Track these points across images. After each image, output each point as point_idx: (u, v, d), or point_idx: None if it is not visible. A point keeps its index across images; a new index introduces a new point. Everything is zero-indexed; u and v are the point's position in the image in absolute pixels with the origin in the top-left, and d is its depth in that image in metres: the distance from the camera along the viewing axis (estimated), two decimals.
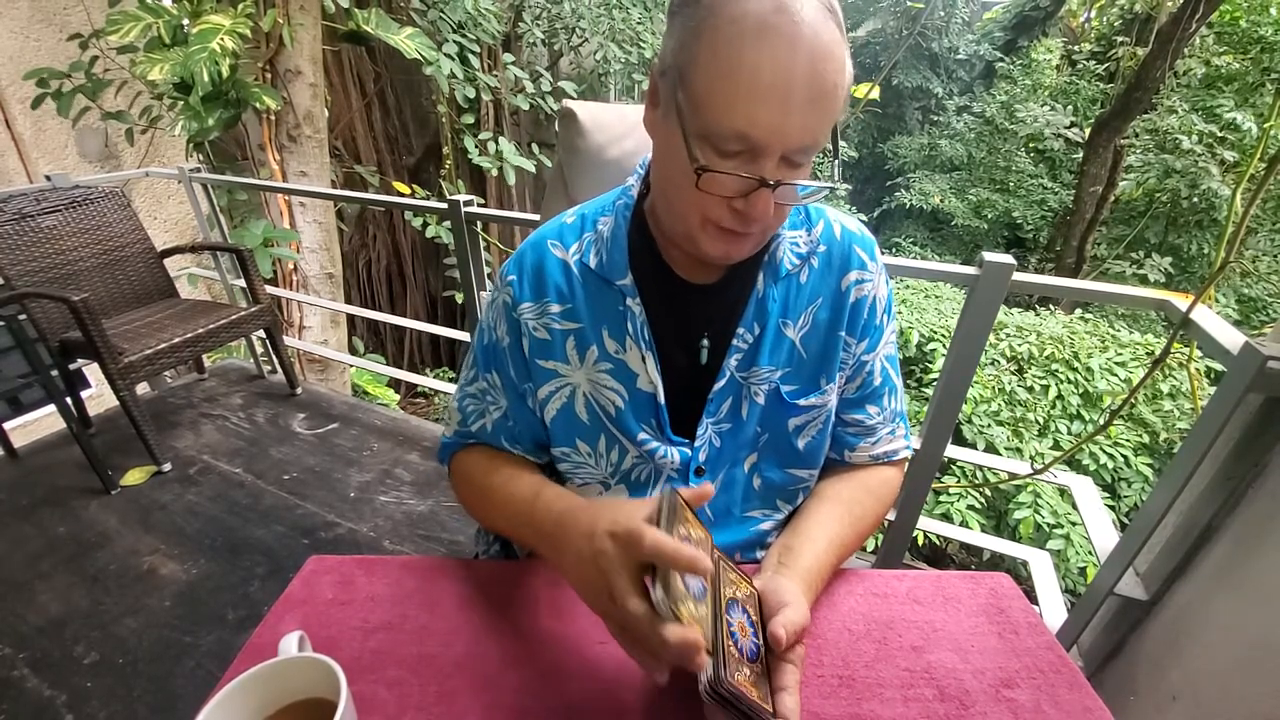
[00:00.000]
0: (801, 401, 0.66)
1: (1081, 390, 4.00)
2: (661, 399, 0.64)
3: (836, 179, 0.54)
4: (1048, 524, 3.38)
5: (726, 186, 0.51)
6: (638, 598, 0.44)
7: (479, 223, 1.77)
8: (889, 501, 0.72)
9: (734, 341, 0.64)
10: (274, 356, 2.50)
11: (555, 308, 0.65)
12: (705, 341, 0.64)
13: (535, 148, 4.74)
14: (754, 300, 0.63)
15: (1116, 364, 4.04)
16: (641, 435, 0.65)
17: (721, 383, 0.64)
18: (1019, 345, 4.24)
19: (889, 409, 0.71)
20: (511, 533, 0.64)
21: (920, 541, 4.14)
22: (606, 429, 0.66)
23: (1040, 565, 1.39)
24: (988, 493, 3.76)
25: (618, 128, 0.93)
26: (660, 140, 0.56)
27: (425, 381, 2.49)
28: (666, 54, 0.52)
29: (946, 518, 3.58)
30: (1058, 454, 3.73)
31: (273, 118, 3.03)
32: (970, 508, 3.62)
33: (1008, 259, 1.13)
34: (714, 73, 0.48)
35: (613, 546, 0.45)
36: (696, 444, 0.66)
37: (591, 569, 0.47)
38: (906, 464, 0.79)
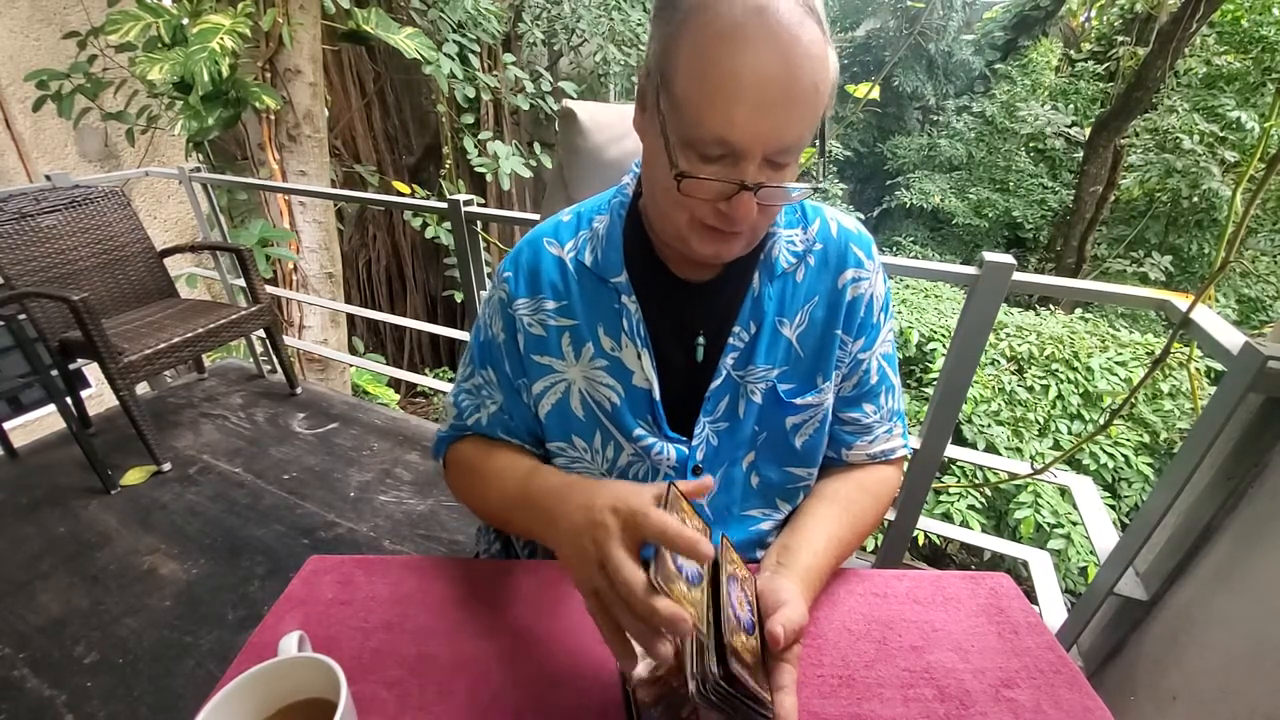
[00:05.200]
0: (798, 400, 0.66)
1: (1081, 390, 4.00)
2: (657, 395, 0.64)
3: (822, 178, 0.54)
4: (1048, 524, 3.38)
5: (708, 190, 0.51)
6: (634, 564, 0.43)
7: (479, 222, 1.77)
8: (887, 500, 0.72)
9: (730, 340, 0.64)
10: (274, 356, 2.50)
11: (550, 304, 0.65)
12: (701, 339, 0.64)
13: (536, 147, 4.74)
14: (750, 299, 0.64)
15: (1116, 364, 4.04)
16: (638, 431, 0.65)
17: (718, 381, 0.64)
18: (1019, 345, 4.24)
19: (886, 408, 0.71)
20: (504, 514, 0.63)
21: (920, 541, 4.14)
22: (602, 425, 0.66)
23: (1040, 565, 1.39)
24: (988, 493, 3.76)
25: (618, 128, 0.93)
26: (648, 142, 0.57)
27: (425, 381, 2.49)
28: (650, 58, 0.53)
29: (946, 517, 3.58)
30: (1058, 454, 3.73)
31: (272, 117, 3.03)
32: (970, 508, 3.62)
33: (1008, 259, 1.13)
34: (693, 78, 0.48)
35: (613, 520, 0.45)
36: (694, 442, 0.66)
37: (586, 539, 0.46)
38: (905, 463, 0.79)
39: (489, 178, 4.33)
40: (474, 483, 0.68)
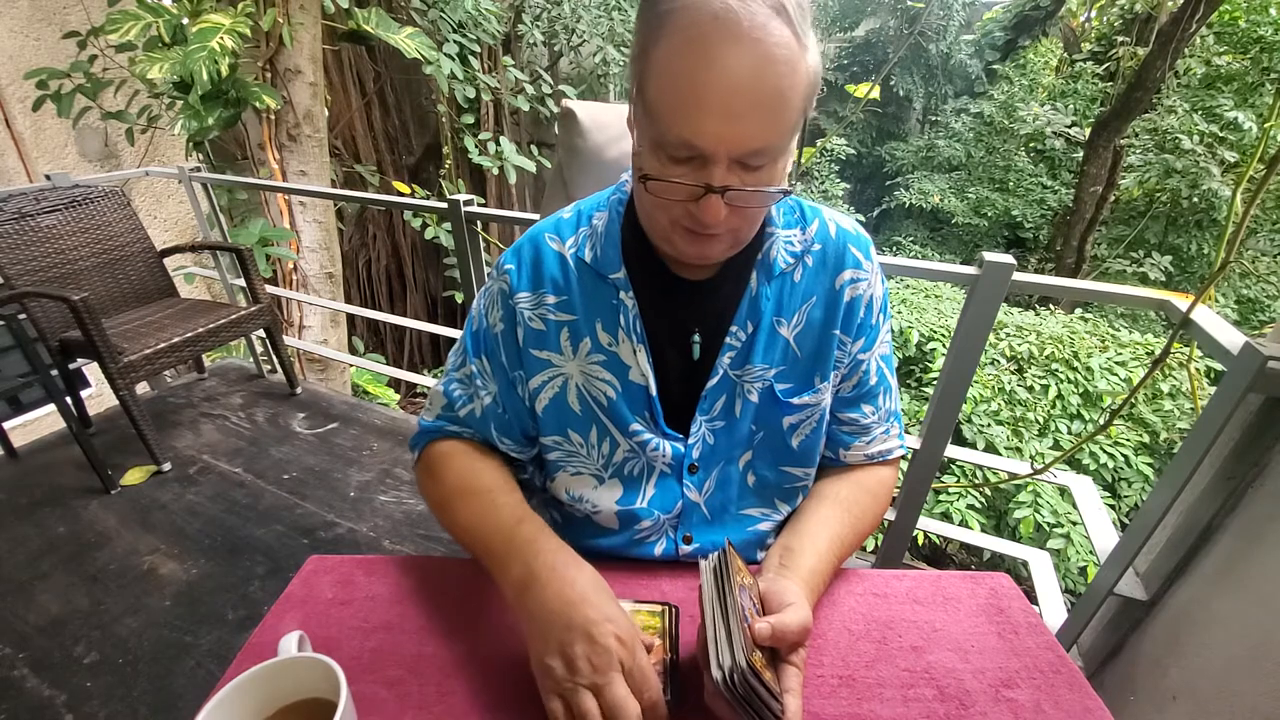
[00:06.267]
0: (795, 400, 0.66)
1: (1081, 390, 4.00)
2: (654, 391, 0.64)
3: (795, 179, 0.55)
4: (1048, 524, 3.38)
5: (674, 192, 0.52)
6: (635, 705, 0.46)
7: (479, 222, 1.77)
8: (886, 501, 0.72)
9: (727, 339, 0.64)
10: (274, 356, 2.50)
11: (551, 299, 0.65)
12: (696, 337, 0.64)
13: (535, 148, 4.74)
14: (747, 298, 0.64)
15: (1116, 364, 4.04)
16: (634, 426, 0.65)
17: (715, 380, 0.64)
18: (1019, 345, 4.23)
19: (884, 408, 0.72)
20: (469, 541, 0.61)
21: (920, 541, 4.14)
22: (598, 419, 0.67)
23: (1040, 565, 1.39)
24: (988, 492, 3.76)
25: (617, 127, 0.94)
26: (634, 144, 0.58)
27: (425, 381, 2.49)
28: (630, 62, 0.54)
29: (946, 517, 3.58)
30: (1058, 454, 3.73)
31: (272, 117, 3.03)
32: (970, 507, 3.62)
33: (1008, 259, 1.13)
34: (661, 83, 0.49)
35: (617, 649, 0.47)
36: (690, 441, 0.66)
37: (580, 649, 0.47)
38: (901, 463, 0.79)
39: (494, 171, 4.32)
40: (449, 497, 0.65)
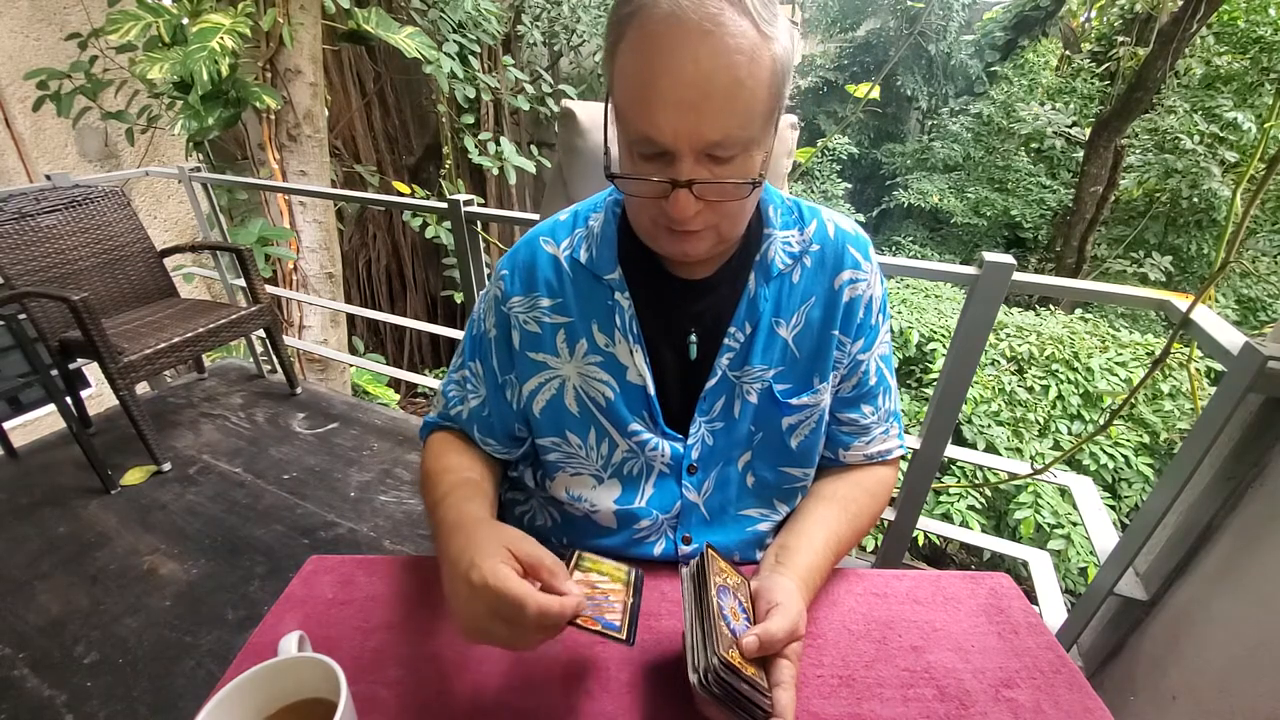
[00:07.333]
0: (794, 401, 0.66)
1: (1081, 390, 4.00)
2: (652, 391, 0.64)
3: (764, 170, 0.54)
4: (1048, 524, 3.38)
5: (641, 189, 0.53)
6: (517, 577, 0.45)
7: (479, 222, 1.77)
8: (885, 499, 0.72)
9: (725, 340, 0.64)
10: (274, 356, 2.50)
11: (545, 302, 0.66)
12: (693, 337, 0.65)
13: (535, 148, 4.74)
14: (745, 299, 0.64)
15: (1116, 364, 4.04)
16: (633, 426, 0.65)
17: (714, 381, 0.64)
18: (1019, 345, 4.23)
19: (883, 408, 0.72)
20: (428, 514, 0.64)
21: (920, 541, 4.14)
22: (597, 420, 0.67)
23: (1040, 565, 1.39)
24: (988, 493, 3.76)
25: None
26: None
27: (425, 381, 2.49)
28: (603, 65, 0.55)
29: (946, 518, 3.58)
30: (1058, 454, 3.73)
31: (272, 117, 3.03)
32: (970, 508, 3.62)
33: (1008, 259, 1.13)
34: (623, 84, 0.50)
35: (479, 607, 0.45)
36: (689, 441, 0.66)
37: (473, 627, 0.46)
38: (901, 463, 0.79)
39: (494, 172, 4.32)
40: (423, 482, 0.68)
